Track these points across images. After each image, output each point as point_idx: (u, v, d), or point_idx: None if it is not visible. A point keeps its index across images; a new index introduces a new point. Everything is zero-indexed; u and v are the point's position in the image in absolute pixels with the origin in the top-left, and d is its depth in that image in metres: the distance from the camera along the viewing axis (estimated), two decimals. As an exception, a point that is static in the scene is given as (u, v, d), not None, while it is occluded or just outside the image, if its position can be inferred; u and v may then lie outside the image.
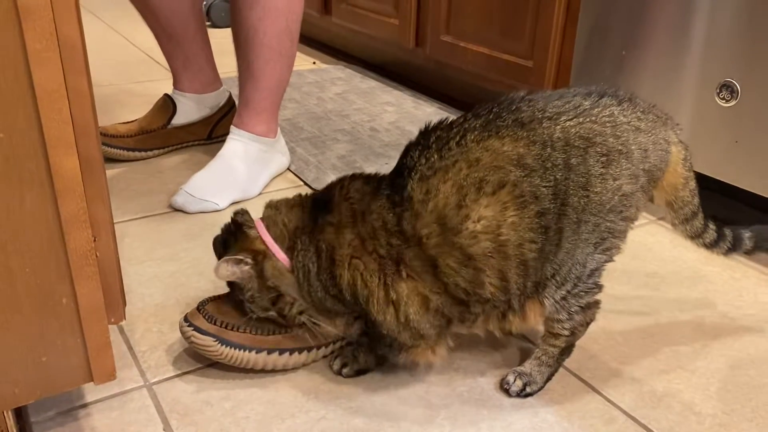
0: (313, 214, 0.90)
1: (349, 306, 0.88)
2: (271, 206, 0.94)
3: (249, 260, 0.89)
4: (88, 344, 0.71)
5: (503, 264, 0.83)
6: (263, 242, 0.90)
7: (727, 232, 1.00)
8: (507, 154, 0.81)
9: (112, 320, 0.76)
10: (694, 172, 0.94)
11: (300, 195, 0.95)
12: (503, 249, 0.82)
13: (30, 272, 0.66)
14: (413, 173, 0.83)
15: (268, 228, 0.91)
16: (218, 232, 1.32)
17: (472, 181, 0.80)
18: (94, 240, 0.69)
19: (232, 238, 0.92)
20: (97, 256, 0.69)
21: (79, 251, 0.66)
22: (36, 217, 0.64)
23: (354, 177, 0.90)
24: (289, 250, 0.89)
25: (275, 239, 0.90)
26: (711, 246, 1.00)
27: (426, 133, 0.85)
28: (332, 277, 0.87)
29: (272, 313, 0.92)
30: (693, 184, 0.94)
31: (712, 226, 0.99)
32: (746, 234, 1.00)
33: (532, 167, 0.81)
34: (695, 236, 0.99)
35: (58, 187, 0.63)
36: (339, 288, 0.87)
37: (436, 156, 0.82)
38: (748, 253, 1.02)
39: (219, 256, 0.94)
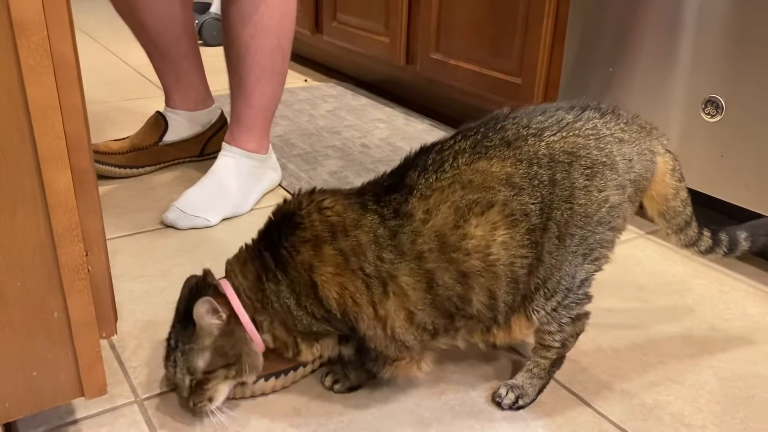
0: (272, 242, 0.86)
1: (336, 324, 0.87)
2: (229, 271, 0.90)
3: (223, 316, 0.85)
4: (79, 359, 0.71)
5: (493, 283, 0.84)
6: (233, 310, 0.86)
7: (723, 236, 1.00)
8: (495, 175, 0.82)
9: (104, 335, 0.76)
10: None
11: (246, 245, 0.91)
12: (492, 269, 0.83)
13: (21, 286, 0.66)
14: (414, 191, 0.83)
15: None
16: (210, 248, 1.33)
17: (467, 203, 0.81)
18: (86, 254, 0.69)
19: (202, 290, 0.87)
20: (89, 270, 0.70)
21: (70, 265, 0.67)
22: (28, 230, 0.64)
23: (323, 190, 0.88)
24: (254, 320, 0.87)
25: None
26: (707, 252, 1.00)
27: (421, 154, 0.86)
28: (318, 300, 0.84)
29: (186, 379, 0.85)
30: (684, 194, 0.95)
31: (706, 233, 0.99)
32: (742, 235, 1.00)
33: (520, 186, 0.82)
34: (690, 245, 0.99)
35: (51, 201, 0.64)
36: (327, 309, 0.85)
37: (433, 177, 0.83)
38: (744, 252, 1.01)
39: (181, 313, 0.88)
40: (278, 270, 0.85)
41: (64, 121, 0.63)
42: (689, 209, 0.96)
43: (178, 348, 0.86)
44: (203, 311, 0.83)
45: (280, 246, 0.85)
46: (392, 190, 0.85)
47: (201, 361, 0.85)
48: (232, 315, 0.86)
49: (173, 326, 0.88)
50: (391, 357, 0.88)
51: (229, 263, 0.91)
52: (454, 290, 0.83)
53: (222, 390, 0.88)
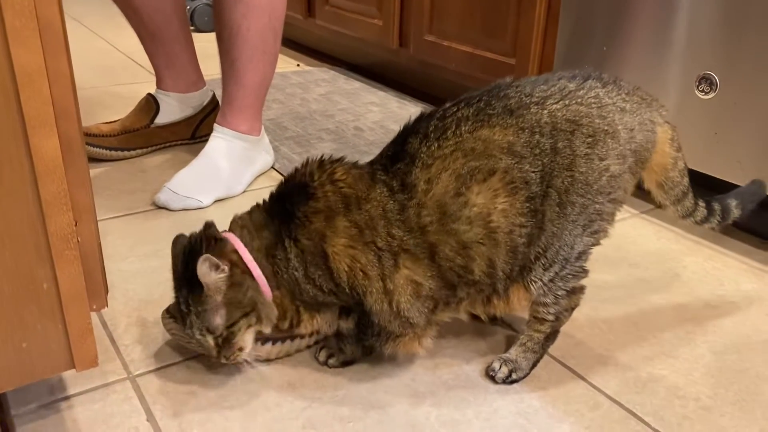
0: (283, 211, 0.86)
1: (343, 297, 0.86)
2: (240, 226, 0.88)
3: (226, 268, 0.82)
4: (69, 330, 0.70)
5: (493, 251, 0.84)
6: (241, 258, 0.85)
7: (716, 206, 1.02)
8: (498, 143, 0.82)
9: (94, 307, 0.75)
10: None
11: (259, 206, 0.90)
12: (494, 236, 0.82)
13: (9, 256, 0.65)
14: (416, 161, 0.82)
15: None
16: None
17: (468, 170, 0.81)
18: (75, 224, 0.68)
19: (200, 246, 0.85)
20: (78, 240, 0.69)
21: (59, 234, 0.66)
22: (15, 198, 0.63)
23: (333, 160, 0.87)
24: (267, 276, 0.86)
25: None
26: (702, 222, 1.02)
27: (422, 121, 0.85)
28: (328, 271, 0.84)
29: (209, 338, 0.84)
30: (682, 164, 0.95)
31: (701, 203, 1.01)
32: (732, 203, 1.03)
33: (521, 154, 0.82)
34: (687, 215, 1.01)
35: (39, 168, 0.63)
36: (336, 282, 0.84)
37: (435, 145, 0.83)
38: (736, 221, 1.04)
39: (178, 264, 0.87)
40: (287, 239, 0.85)
41: (51, 87, 0.62)
42: (686, 180, 0.97)
43: (191, 311, 0.84)
44: (206, 269, 0.81)
45: (293, 216, 0.84)
46: (396, 158, 0.84)
47: (219, 318, 0.84)
48: (240, 266, 0.84)
49: (178, 291, 0.86)
50: (394, 333, 0.88)
51: (240, 218, 0.89)
52: (455, 262, 0.83)
53: (249, 339, 0.87)
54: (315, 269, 0.84)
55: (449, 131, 0.83)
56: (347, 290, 0.85)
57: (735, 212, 1.03)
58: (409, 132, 0.85)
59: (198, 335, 0.85)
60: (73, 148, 0.67)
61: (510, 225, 0.83)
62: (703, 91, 1.29)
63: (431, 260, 0.83)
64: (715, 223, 1.03)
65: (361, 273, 0.83)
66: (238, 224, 0.89)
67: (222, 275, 0.82)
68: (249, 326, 0.86)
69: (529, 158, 0.82)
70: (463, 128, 0.83)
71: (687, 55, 1.31)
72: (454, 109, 0.85)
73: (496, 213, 0.82)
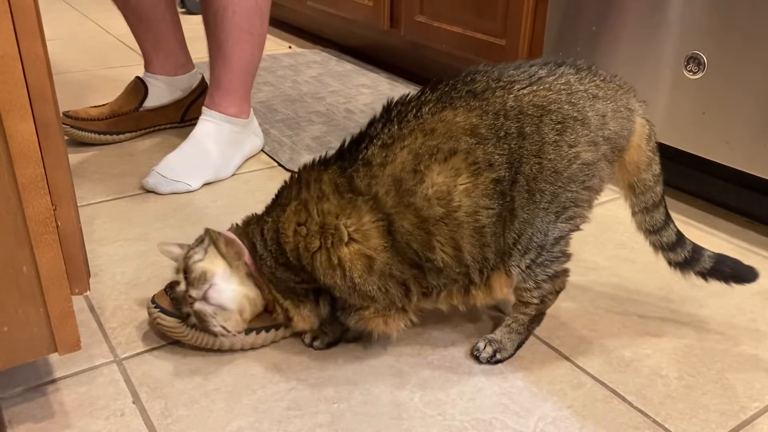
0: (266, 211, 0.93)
1: (303, 276, 0.87)
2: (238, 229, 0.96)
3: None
4: (50, 314, 0.70)
5: (456, 232, 0.83)
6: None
7: (688, 242, 0.97)
8: (460, 125, 0.82)
9: (76, 291, 0.75)
10: (659, 155, 0.92)
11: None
12: (455, 215, 0.83)
13: (-12, 240, 0.65)
14: (375, 140, 0.84)
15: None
16: (191, 213, 1.32)
17: (427, 149, 0.82)
18: (54, 208, 0.68)
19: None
20: (57, 224, 0.69)
21: (37, 218, 0.66)
22: (-8, 182, 0.63)
23: (305, 165, 0.91)
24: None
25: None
26: (667, 248, 0.96)
27: (388, 108, 0.87)
28: (278, 244, 0.87)
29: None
30: (657, 168, 0.92)
31: (673, 227, 0.96)
32: (708, 253, 0.96)
33: (485, 136, 0.82)
34: (652, 231, 0.96)
35: (14, 151, 0.62)
36: (286, 255, 0.87)
37: (396, 127, 0.84)
38: (702, 273, 0.97)
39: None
40: (259, 235, 0.90)
41: (25, 70, 0.62)
42: (660, 188, 0.94)
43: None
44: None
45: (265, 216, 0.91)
46: (358, 142, 0.86)
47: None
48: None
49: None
50: (355, 306, 0.89)
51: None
52: (414, 235, 0.83)
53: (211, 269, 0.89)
54: (271, 243, 0.88)
55: (410, 114, 0.84)
56: (295, 263, 0.86)
57: (706, 262, 0.95)
58: (376, 119, 0.87)
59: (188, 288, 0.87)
60: (50, 131, 0.67)
61: (474, 205, 0.82)
62: (691, 71, 1.28)
63: (386, 233, 0.84)
64: (680, 258, 0.96)
65: (303, 246, 0.85)
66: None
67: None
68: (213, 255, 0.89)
69: (492, 140, 0.82)
70: (424, 110, 0.83)
71: (675, 35, 1.30)
72: (419, 94, 0.86)
73: (457, 192, 0.82)
